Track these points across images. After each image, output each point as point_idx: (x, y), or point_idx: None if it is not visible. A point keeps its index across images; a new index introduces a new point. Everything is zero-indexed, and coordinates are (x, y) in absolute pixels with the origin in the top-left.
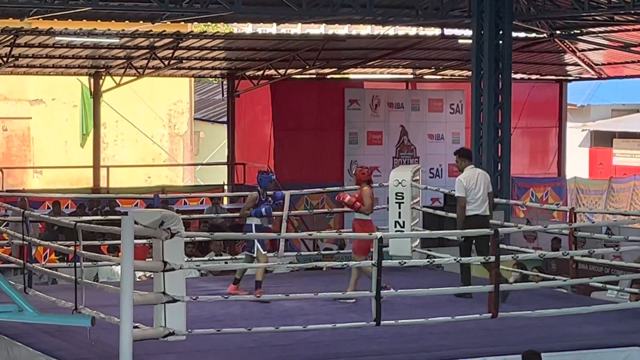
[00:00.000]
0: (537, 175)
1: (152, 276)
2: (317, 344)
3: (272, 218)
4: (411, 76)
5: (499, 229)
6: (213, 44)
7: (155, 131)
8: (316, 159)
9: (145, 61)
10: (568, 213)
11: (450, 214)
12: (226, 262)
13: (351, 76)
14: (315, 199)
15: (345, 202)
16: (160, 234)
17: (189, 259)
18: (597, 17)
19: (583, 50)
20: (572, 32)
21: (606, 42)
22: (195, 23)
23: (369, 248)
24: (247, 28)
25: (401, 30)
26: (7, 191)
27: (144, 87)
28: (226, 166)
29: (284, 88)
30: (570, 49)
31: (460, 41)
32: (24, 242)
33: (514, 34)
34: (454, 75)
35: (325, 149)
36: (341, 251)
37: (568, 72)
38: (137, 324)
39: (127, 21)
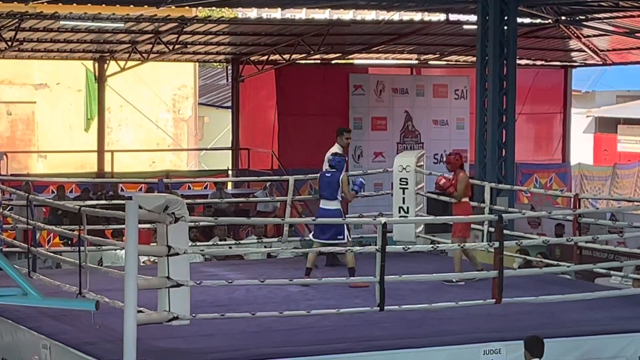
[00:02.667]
0: (541, 161)
1: (157, 261)
2: (320, 329)
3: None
4: (416, 62)
5: (503, 215)
6: (217, 29)
7: (159, 116)
8: (320, 145)
9: (150, 46)
10: (572, 199)
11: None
12: (230, 247)
13: (356, 61)
14: None
15: (439, 184)
16: (165, 218)
17: (193, 244)
18: (603, 3)
19: (588, 36)
20: (577, 18)
21: (611, 28)
22: (200, 7)
23: (466, 230)
24: (252, 13)
25: (406, 16)
26: (11, 175)
27: (149, 71)
28: (230, 151)
29: (289, 73)
30: (575, 34)
31: (465, 27)
32: (28, 226)
33: (519, 20)
34: (459, 61)
35: (329, 135)
36: None
37: (573, 58)
38: (141, 309)
39: (131, 5)
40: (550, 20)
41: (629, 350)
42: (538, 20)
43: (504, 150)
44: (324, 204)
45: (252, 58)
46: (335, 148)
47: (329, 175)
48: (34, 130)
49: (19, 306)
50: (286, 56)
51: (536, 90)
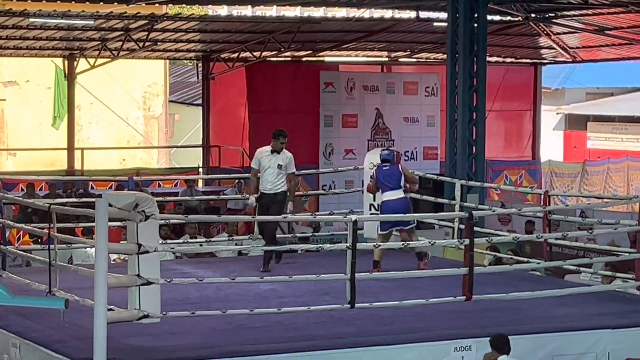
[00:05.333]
0: (511, 158)
1: (127, 259)
2: (291, 326)
3: None
4: (386, 59)
5: (473, 212)
6: (188, 26)
7: (129, 113)
8: (291, 142)
9: (120, 43)
10: (542, 196)
11: (425, 197)
12: (201, 245)
13: (326, 59)
14: None
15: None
16: (135, 216)
17: (164, 242)
18: (572, 1)
19: (558, 33)
20: (547, 16)
21: (581, 26)
22: (170, 5)
23: None
24: (222, 10)
25: (376, 13)
26: None
27: (119, 69)
28: (201, 149)
29: (259, 70)
30: (545, 32)
31: (435, 24)
32: None
33: (489, 17)
34: (429, 58)
35: (300, 132)
36: (316, 234)
37: (543, 56)
38: (111, 307)
39: (101, 2)
40: (520, 18)
41: (599, 347)
42: (508, 18)
43: (474, 148)
44: (390, 195)
45: (222, 55)
46: (268, 148)
47: (387, 168)
48: (3, 127)
49: None
50: (257, 53)
51: (506, 88)
